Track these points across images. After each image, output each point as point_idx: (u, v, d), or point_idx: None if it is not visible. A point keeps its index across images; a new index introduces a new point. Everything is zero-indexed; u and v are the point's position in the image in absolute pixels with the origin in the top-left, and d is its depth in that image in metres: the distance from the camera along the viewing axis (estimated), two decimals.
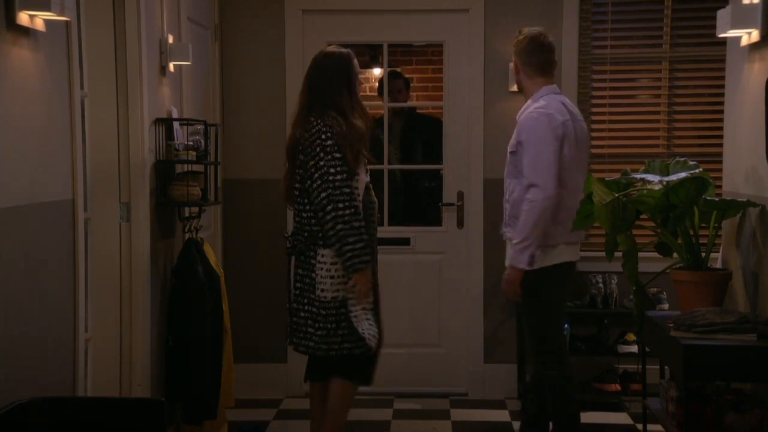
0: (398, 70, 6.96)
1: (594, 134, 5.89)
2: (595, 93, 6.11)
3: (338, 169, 4.19)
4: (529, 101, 4.54)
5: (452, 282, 6.18)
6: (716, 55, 5.76)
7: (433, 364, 6.20)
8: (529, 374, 4.73)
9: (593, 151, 5.66)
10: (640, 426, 5.17)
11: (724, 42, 4.92)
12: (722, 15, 4.26)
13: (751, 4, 4.13)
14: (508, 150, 4.53)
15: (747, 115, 4.44)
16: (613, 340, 5.92)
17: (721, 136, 5.08)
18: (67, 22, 3.71)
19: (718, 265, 4.74)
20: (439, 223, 6.24)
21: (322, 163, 4.20)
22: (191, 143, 4.81)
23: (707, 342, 3.89)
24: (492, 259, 5.95)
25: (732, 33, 4.28)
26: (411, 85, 7.22)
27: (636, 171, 4.53)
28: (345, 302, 4.26)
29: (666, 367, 4.76)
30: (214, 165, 5.08)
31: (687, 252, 4.33)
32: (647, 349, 4.79)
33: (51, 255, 3.66)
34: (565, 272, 4.52)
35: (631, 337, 5.78)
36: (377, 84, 7.21)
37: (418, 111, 7.16)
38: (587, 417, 5.36)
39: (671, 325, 4.09)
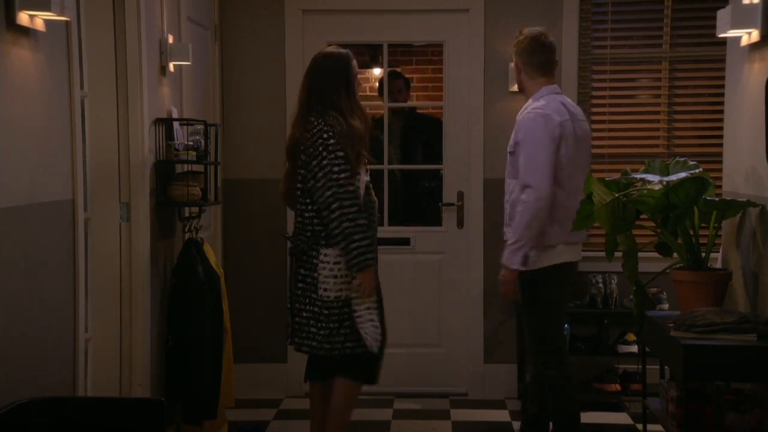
0: (398, 70, 6.95)
1: (594, 134, 5.87)
2: (595, 93, 6.11)
3: (342, 167, 4.19)
4: (530, 101, 4.54)
5: (452, 282, 6.18)
6: (716, 55, 5.75)
7: (433, 364, 6.20)
8: (529, 374, 4.73)
9: (593, 151, 5.65)
10: (640, 426, 5.17)
11: (724, 42, 4.92)
12: (722, 15, 4.26)
13: (751, 4, 4.13)
14: (508, 150, 4.53)
15: (747, 115, 4.43)
16: (613, 340, 5.91)
17: (721, 136, 5.07)
18: (67, 22, 3.71)
19: (718, 265, 4.73)
20: (439, 223, 6.24)
21: (325, 162, 4.19)
22: (191, 143, 4.81)
23: (707, 342, 3.89)
24: (492, 259, 5.93)
25: (732, 33, 4.27)
26: (411, 85, 7.20)
27: (636, 171, 4.53)
28: (348, 302, 4.26)
29: (666, 367, 4.75)
30: (214, 165, 5.08)
31: (687, 252, 4.32)
32: (647, 349, 4.78)
33: (51, 255, 3.65)
34: (564, 272, 4.51)
35: (631, 337, 5.78)
36: (377, 84, 7.20)
37: (418, 111, 7.15)
38: (587, 417, 5.36)
39: (671, 325, 4.09)
